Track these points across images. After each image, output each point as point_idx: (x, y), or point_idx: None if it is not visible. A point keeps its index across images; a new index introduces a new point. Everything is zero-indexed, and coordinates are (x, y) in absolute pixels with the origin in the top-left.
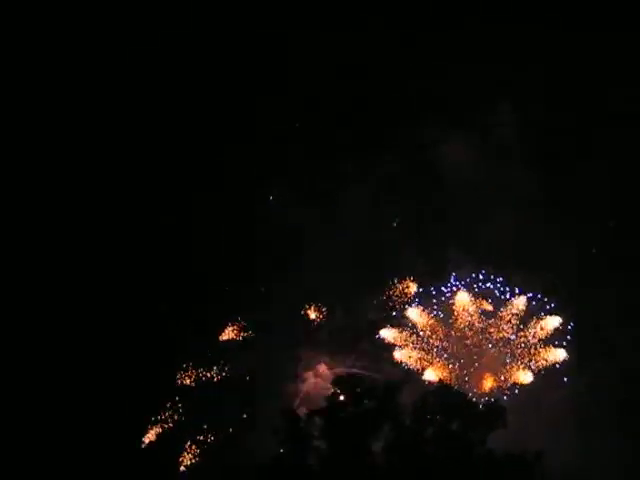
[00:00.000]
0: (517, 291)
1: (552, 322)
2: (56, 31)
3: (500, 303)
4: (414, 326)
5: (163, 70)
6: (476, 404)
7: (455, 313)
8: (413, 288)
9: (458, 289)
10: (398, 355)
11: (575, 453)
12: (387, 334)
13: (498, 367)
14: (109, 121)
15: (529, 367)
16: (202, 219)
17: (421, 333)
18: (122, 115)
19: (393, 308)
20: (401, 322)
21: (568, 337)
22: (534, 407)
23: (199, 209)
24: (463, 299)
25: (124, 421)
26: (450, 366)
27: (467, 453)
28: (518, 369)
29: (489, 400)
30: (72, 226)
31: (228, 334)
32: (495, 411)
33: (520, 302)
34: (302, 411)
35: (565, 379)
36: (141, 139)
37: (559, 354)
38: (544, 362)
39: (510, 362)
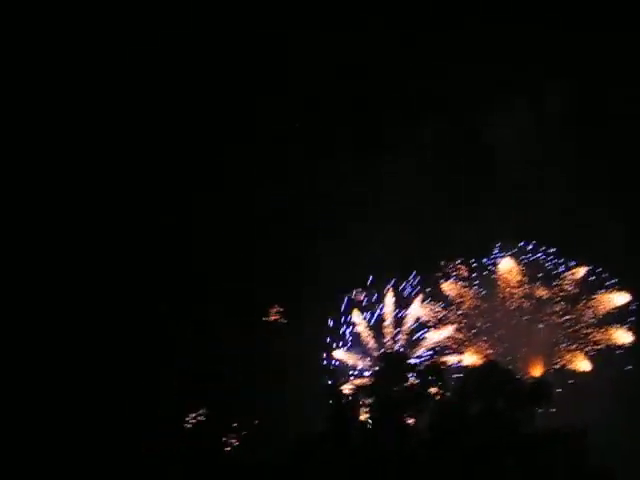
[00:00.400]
0: (572, 263)
1: (615, 299)
2: (56, 32)
3: (551, 277)
4: (453, 302)
5: (163, 70)
6: (522, 382)
7: (499, 287)
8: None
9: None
10: (434, 336)
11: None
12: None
13: (550, 350)
14: (109, 121)
15: (586, 352)
16: (202, 218)
17: (460, 311)
18: (122, 115)
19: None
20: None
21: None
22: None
23: (199, 209)
24: (508, 267)
25: (124, 420)
26: (494, 349)
27: (512, 431)
28: (574, 354)
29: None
30: (72, 226)
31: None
32: (541, 389)
33: (576, 275)
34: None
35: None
36: (141, 139)
37: (623, 336)
38: (605, 345)
39: (564, 345)
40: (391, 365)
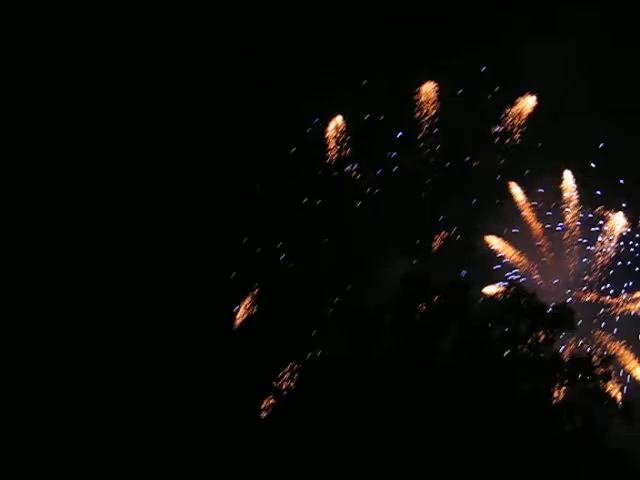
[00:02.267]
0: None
1: None
2: (57, 33)
3: None
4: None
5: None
6: (545, 305)
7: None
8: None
9: None
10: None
11: None
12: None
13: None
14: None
15: None
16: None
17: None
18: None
19: None
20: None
21: None
22: None
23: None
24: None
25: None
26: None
27: (534, 353)
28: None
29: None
30: (72, 226)
31: None
32: (563, 313)
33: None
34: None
35: None
36: (142, 139)
37: None
38: None
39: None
40: (412, 285)
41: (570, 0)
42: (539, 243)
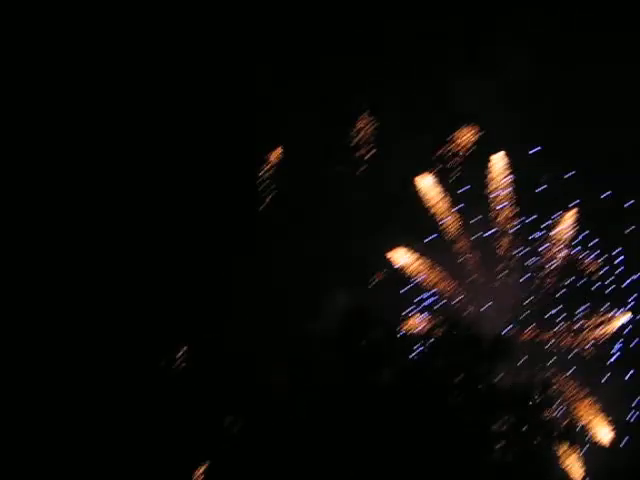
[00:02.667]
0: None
1: None
2: (56, 32)
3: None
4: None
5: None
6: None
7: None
8: None
9: None
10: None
11: None
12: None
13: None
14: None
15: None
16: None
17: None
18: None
19: None
20: None
21: None
22: None
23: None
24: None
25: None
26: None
27: (472, 384)
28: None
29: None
30: (72, 226)
31: None
32: (502, 344)
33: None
34: None
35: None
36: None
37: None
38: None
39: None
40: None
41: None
42: (464, 254)
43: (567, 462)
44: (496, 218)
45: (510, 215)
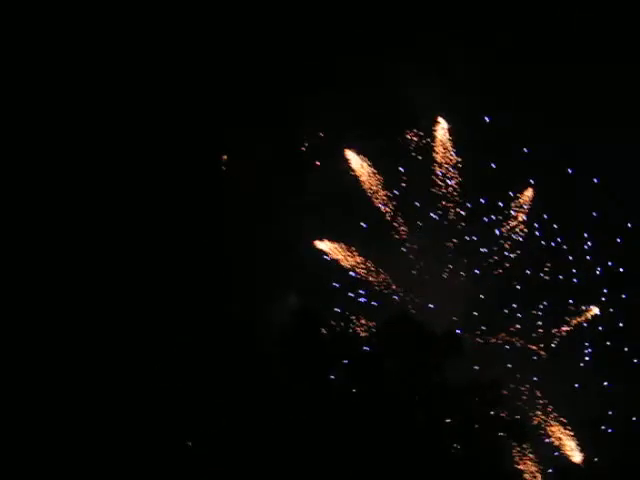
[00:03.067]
0: None
1: None
2: (56, 31)
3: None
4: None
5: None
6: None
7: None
8: None
9: None
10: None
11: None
12: None
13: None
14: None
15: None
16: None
17: None
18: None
19: None
20: None
21: None
22: None
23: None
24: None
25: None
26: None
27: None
28: None
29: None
30: (72, 226)
31: None
32: (451, 340)
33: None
34: None
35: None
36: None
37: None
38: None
39: None
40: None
41: None
42: (402, 242)
43: (520, 460)
44: (441, 199)
45: (457, 195)
